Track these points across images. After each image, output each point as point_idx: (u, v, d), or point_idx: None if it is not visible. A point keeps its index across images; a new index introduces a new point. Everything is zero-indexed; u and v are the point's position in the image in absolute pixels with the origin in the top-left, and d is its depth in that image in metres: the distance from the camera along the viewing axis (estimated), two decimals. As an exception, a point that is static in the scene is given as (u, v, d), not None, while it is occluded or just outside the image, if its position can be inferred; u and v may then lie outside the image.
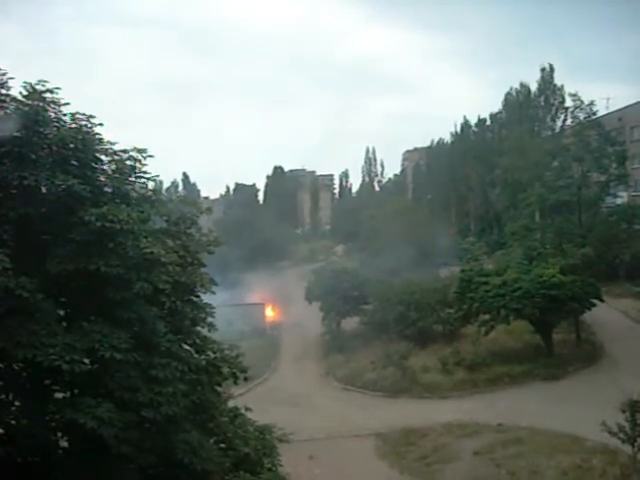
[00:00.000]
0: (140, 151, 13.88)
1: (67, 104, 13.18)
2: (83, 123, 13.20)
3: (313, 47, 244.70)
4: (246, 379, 16.34)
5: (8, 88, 12.68)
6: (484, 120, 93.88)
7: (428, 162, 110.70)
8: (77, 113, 13.25)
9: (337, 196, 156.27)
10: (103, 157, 13.60)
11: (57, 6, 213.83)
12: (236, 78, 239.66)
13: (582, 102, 46.35)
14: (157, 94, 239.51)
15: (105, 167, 13.67)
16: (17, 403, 12.71)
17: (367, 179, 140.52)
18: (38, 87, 12.77)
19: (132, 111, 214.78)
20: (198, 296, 15.19)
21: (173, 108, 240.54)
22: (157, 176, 14.88)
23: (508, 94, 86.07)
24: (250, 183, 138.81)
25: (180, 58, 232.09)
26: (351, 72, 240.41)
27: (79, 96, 13.70)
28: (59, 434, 12.82)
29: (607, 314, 45.60)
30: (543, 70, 79.96)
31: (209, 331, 15.48)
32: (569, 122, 53.60)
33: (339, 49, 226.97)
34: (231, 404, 17.99)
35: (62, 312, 13.05)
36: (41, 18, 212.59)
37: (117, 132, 14.40)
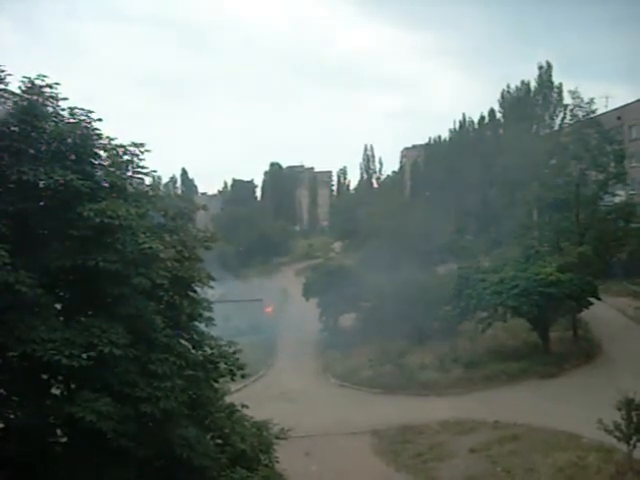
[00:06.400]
0: (137, 145, 13.88)
1: (65, 99, 13.20)
2: (82, 118, 13.21)
3: (311, 43, 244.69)
4: (243, 376, 16.38)
5: (6, 83, 12.68)
6: (482, 118, 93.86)
7: (426, 159, 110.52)
8: (75, 108, 13.25)
9: (335, 193, 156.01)
10: (101, 152, 13.61)
11: (50, 2, 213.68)
12: (234, 74, 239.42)
13: (582, 99, 46.30)
14: (155, 90, 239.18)
15: (103, 162, 13.68)
16: (15, 398, 12.73)
17: (365, 176, 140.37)
18: (37, 82, 12.77)
19: (130, 107, 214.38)
20: (195, 291, 15.22)
21: (171, 104, 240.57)
22: (155, 171, 14.89)
23: (505, 92, 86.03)
24: (248, 179, 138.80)
25: (177, 54, 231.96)
26: (350, 69, 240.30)
27: (74, 92, 13.68)
28: (58, 429, 12.85)
29: (604, 312, 45.62)
30: (541, 68, 79.94)
31: (206, 326, 15.53)
32: (568, 120, 53.46)
33: (337, 45, 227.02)
34: (228, 400, 18.03)
35: (60, 307, 13.06)
36: (34, 14, 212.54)
37: (115, 128, 14.40)
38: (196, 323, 15.35)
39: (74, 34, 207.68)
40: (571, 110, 48.56)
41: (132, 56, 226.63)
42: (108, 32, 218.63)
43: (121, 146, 13.76)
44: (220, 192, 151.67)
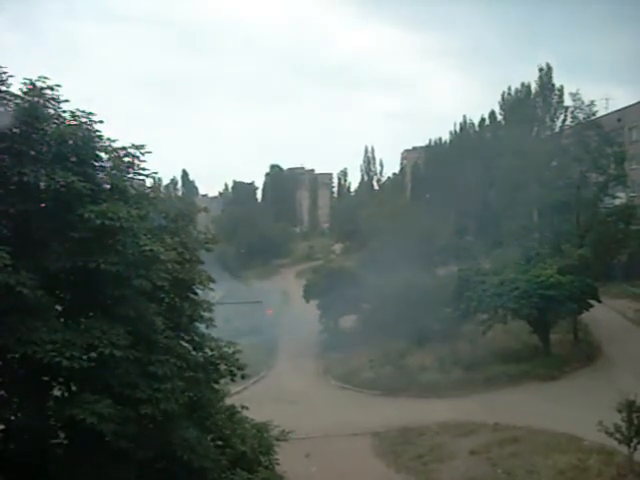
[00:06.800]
0: (138, 147, 13.89)
1: (67, 101, 13.22)
2: (83, 120, 13.22)
3: (311, 43, 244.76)
4: (243, 377, 16.39)
5: (8, 85, 12.68)
6: (483, 120, 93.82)
7: (427, 161, 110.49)
8: (77, 110, 13.27)
9: (336, 195, 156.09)
10: (102, 154, 13.62)
11: (50, 3, 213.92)
12: (235, 75, 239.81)
13: (582, 102, 46.34)
14: (154, 90, 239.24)
15: (104, 164, 13.69)
16: (16, 399, 12.73)
17: (366, 178, 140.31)
18: (38, 84, 12.78)
19: (130, 108, 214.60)
20: (196, 293, 15.25)
21: (171, 105, 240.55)
22: (155, 173, 14.89)
23: (506, 93, 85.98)
24: (249, 181, 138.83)
25: (177, 55, 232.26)
26: (350, 69, 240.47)
27: (74, 93, 13.68)
28: (58, 430, 12.85)
29: (604, 314, 45.61)
30: (541, 70, 79.88)
31: (207, 327, 15.55)
32: (568, 122, 53.50)
33: (337, 45, 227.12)
34: (228, 402, 18.04)
35: (61, 308, 13.06)
36: (34, 14, 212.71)
37: (115, 129, 14.42)
38: (197, 324, 15.38)
39: (74, 34, 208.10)
40: (571, 112, 48.66)
41: (132, 56, 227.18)
42: (108, 32, 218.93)
43: (122, 148, 13.78)
44: (221, 194, 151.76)
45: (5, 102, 12.65)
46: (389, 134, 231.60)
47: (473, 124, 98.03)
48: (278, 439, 18.67)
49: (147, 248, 12.66)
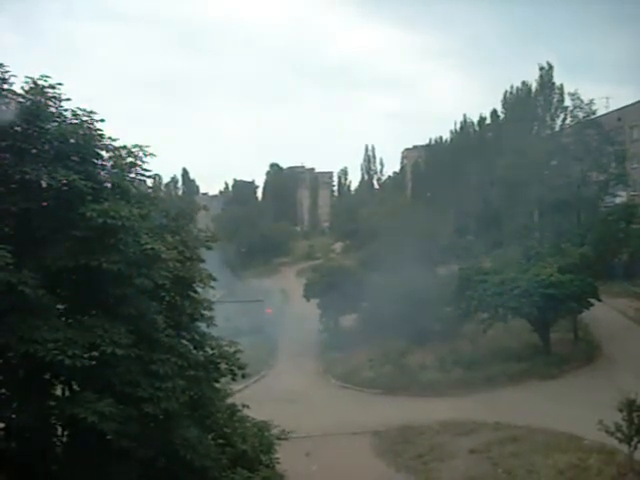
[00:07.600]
0: (141, 148, 13.89)
1: (68, 100, 13.21)
2: (84, 119, 13.21)
3: (311, 43, 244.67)
4: (244, 376, 16.40)
5: (10, 84, 12.68)
6: (484, 119, 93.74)
7: (427, 160, 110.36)
8: (78, 109, 13.27)
9: (336, 193, 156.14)
10: (103, 153, 13.62)
11: (50, 2, 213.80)
12: (235, 75, 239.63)
13: (582, 101, 46.41)
14: (154, 90, 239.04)
15: (105, 163, 13.69)
16: (17, 398, 12.72)
17: (366, 177, 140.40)
18: (40, 82, 12.78)
19: (130, 107, 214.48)
20: (197, 292, 15.25)
21: (172, 105, 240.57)
22: (157, 175, 14.91)
23: (507, 92, 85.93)
24: (249, 180, 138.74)
25: (177, 55, 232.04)
26: (350, 69, 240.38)
27: (74, 93, 13.66)
28: (59, 429, 12.84)
29: (605, 313, 45.56)
30: (542, 69, 79.83)
31: (208, 326, 15.55)
32: (569, 121, 53.54)
33: (337, 45, 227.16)
34: (229, 400, 18.05)
35: (62, 307, 13.05)
36: (34, 14, 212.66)
37: (115, 128, 14.38)
38: (197, 323, 15.38)
39: (74, 34, 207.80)
40: (571, 111, 48.71)
41: (132, 56, 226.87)
42: (108, 32, 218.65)
43: (124, 147, 13.78)
44: (221, 192, 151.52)
45: (7, 100, 12.64)
46: (389, 133, 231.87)
47: (473, 123, 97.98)
48: (279, 438, 18.69)
49: (148, 247, 12.68)
